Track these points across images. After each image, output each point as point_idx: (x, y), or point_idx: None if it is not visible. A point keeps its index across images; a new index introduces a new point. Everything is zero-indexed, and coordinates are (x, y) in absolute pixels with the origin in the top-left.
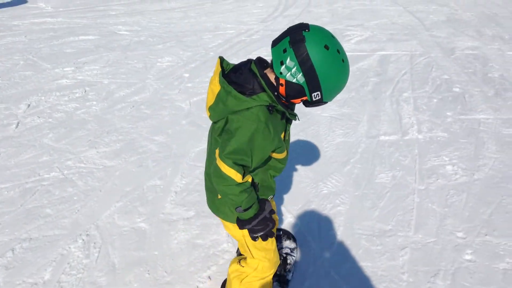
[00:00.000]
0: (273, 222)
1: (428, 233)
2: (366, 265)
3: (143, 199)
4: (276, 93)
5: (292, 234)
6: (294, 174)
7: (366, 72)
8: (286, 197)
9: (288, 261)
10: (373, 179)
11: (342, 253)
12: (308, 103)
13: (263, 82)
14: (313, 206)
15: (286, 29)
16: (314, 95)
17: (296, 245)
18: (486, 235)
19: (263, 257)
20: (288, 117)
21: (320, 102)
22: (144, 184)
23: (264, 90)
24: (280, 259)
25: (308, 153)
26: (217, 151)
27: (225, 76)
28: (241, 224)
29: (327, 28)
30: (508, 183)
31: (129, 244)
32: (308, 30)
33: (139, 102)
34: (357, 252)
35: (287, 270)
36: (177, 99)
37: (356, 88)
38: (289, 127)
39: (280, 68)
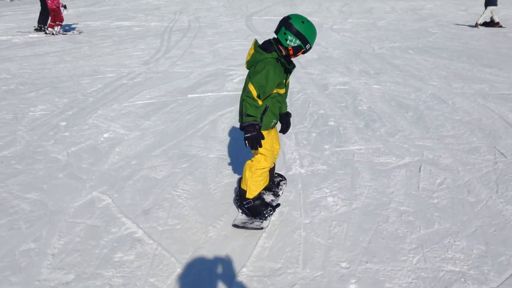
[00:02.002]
0: (258, 134)
1: (315, 266)
2: None
3: (15, 267)
4: (282, 54)
5: (284, 176)
6: (181, 221)
7: None
8: (174, 246)
9: (281, 183)
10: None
11: None
12: (304, 52)
13: (275, 47)
14: (203, 252)
15: (279, 22)
16: (306, 46)
17: (285, 180)
18: (367, 262)
19: (264, 154)
20: (287, 67)
21: (309, 49)
22: (15, 249)
23: (275, 51)
24: (275, 183)
25: (196, 197)
26: (249, 83)
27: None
28: (241, 125)
29: (209, 68)
30: (382, 209)
31: None
32: (291, 18)
33: (9, 157)
34: None
35: (279, 188)
36: (53, 150)
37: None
38: (289, 76)
39: (287, 42)
